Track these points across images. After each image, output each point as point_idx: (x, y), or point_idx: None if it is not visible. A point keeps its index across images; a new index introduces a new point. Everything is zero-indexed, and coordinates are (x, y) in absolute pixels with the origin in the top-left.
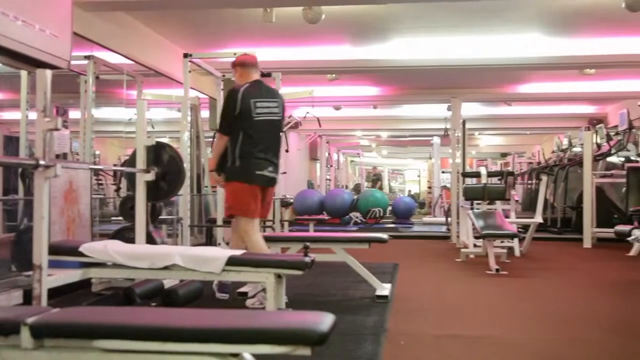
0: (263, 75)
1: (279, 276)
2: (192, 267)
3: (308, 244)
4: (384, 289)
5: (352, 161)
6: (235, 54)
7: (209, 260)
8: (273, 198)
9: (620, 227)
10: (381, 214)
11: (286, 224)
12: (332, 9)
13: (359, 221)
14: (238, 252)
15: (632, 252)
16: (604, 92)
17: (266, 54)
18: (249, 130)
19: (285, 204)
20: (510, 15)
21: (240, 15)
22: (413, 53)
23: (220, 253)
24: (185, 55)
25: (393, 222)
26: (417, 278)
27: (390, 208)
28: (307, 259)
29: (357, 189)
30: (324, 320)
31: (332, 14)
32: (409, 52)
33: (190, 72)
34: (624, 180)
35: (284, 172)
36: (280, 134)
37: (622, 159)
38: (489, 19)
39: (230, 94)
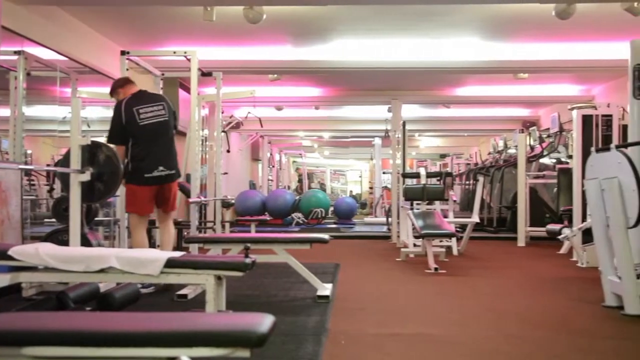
0: (203, 74)
1: (219, 278)
2: (129, 270)
3: (249, 245)
4: (325, 289)
5: (294, 162)
6: (175, 52)
7: (146, 262)
8: (175, 192)
9: (551, 226)
10: (323, 215)
11: (227, 225)
12: (273, 9)
13: (301, 222)
14: (177, 254)
15: (562, 250)
16: (537, 96)
17: (207, 53)
18: (136, 136)
19: (226, 204)
20: (448, 19)
21: (181, 13)
22: (354, 54)
23: (158, 255)
24: (123, 53)
25: (335, 223)
26: (358, 278)
27: (332, 209)
28: (247, 260)
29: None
30: (264, 322)
31: (273, 14)
32: (350, 53)
33: (127, 69)
34: (555, 180)
35: (225, 173)
36: (172, 132)
37: (554, 161)
38: (428, 22)
39: (116, 108)
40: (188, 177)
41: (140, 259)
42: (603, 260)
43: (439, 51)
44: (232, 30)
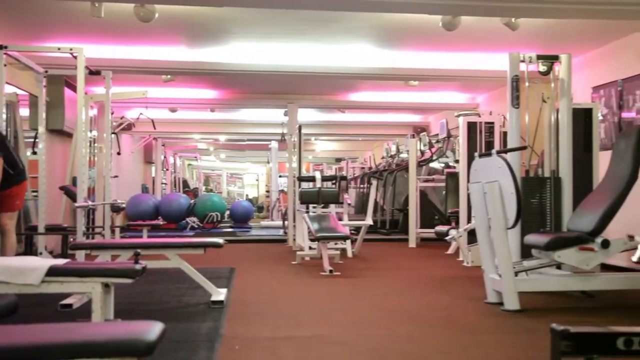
0: (91, 73)
1: (106, 285)
2: (5, 280)
3: (139, 250)
4: (220, 294)
5: (189, 165)
6: (59, 48)
7: (25, 271)
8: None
9: (439, 228)
10: (219, 219)
11: (117, 230)
12: (166, 8)
13: (196, 226)
14: (60, 262)
15: (450, 250)
16: (427, 102)
17: (96, 50)
18: None
19: (116, 209)
20: (343, 26)
21: (67, 7)
22: (250, 57)
23: (39, 263)
24: (0, 47)
25: (231, 227)
26: (254, 282)
27: (228, 212)
28: (137, 267)
29: (195, 193)
30: (152, 329)
31: (166, 14)
32: (246, 56)
33: (5, 65)
34: (444, 184)
35: (116, 176)
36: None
37: (442, 165)
38: (323, 28)
39: None
40: (74, 180)
41: (18, 268)
42: (485, 260)
43: (333, 57)
44: (122, 28)
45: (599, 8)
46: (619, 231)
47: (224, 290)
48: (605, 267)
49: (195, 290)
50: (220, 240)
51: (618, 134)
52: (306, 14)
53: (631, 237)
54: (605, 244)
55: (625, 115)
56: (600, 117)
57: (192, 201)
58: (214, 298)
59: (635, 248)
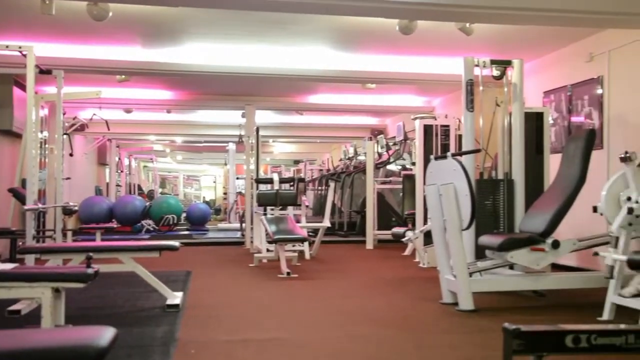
0: (42, 72)
1: (56, 290)
2: None
3: (91, 254)
4: (176, 298)
5: (145, 166)
6: (7, 46)
7: None
8: None
9: (396, 230)
10: (175, 221)
11: (69, 233)
12: (120, 7)
13: (152, 229)
14: (8, 266)
15: (407, 252)
16: (384, 105)
17: (46, 49)
18: None
19: (68, 211)
20: (300, 28)
21: (16, 3)
22: (207, 58)
23: None
24: None
25: (187, 229)
26: (210, 285)
27: (184, 215)
28: (89, 271)
29: (150, 195)
30: (104, 335)
31: (120, 12)
32: (203, 57)
33: None
34: (400, 186)
35: (68, 178)
36: None
37: (399, 167)
38: (280, 30)
39: None
40: (24, 182)
41: None
42: (441, 260)
43: (291, 59)
44: (75, 26)
45: (549, 15)
46: (568, 232)
47: (179, 294)
48: (556, 267)
49: (150, 294)
50: (176, 243)
51: (568, 138)
52: (263, 15)
53: (596, 254)
54: (556, 244)
55: (574, 119)
56: (551, 121)
57: (148, 203)
58: (169, 302)
59: (583, 248)
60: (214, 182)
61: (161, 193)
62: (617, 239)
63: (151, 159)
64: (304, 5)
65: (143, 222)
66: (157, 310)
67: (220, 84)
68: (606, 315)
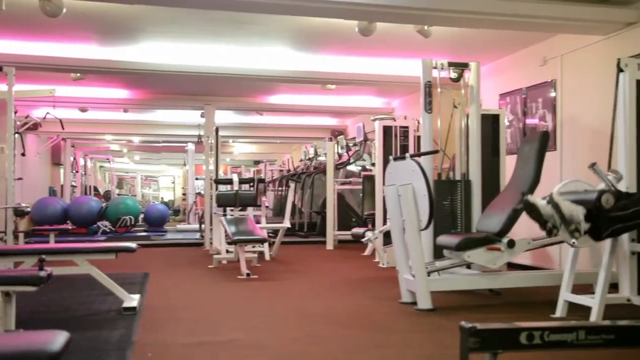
0: None
1: (7, 294)
2: None
3: (44, 256)
4: (132, 300)
5: (101, 167)
6: None
7: None
8: None
9: (356, 230)
10: (132, 222)
11: (21, 235)
12: (75, 4)
13: (108, 230)
14: None
15: (367, 252)
16: (344, 106)
17: None
18: None
19: (20, 213)
20: (260, 28)
21: None
22: (166, 57)
23: None
24: None
25: (145, 231)
26: (169, 287)
27: (142, 216)
28: (42, 273)
29: (107, 196)
30: (56, 339)
31: (75, 9)
32: (161, 56)
33: None
34: (360, 187)
35: (20, 178)
36: None
37: (359, 168)
38: (240, 30)
39: None
40: None
41: None
42: (400, 260)
43: (251, 59)
44: (28, 22)
45: (505, 19)
46: (523, 231)
47: (136, 296)
48: (511, 266)
49: (106, 297)
50: (133, 244)
51: (522, 139)
52: (223, 14)
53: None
54: (511, 243)
55: (529, 121)
56: (507, 123)
57: (104, 204)
58: (126, 304)
59: (537, 247)
60: (173, 182)
61: (118, 194)
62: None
63: (108, 159)
64: (263, 5)
65: (99, 223)
66: (113, 313)
67: (179, 84)
68: (559, 312)
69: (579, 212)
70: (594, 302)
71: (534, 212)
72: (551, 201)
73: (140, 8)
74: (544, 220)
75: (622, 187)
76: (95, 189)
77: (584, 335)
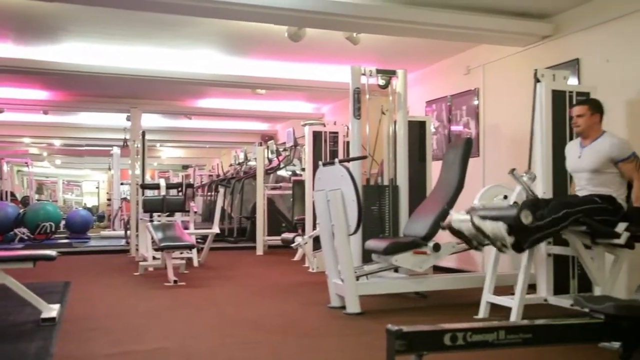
0: None
1: None
2: None
3: None
4: (52, 311)
5: (19, 171)
6: None
7: None
8: None
9: (286, 235)
10: (53, 229)
11: None
12: None
13: (26, 237)
14: None
15: (297, 257)
16: (274, 111)
17: None
18: None
19: None
20: (188, 30)
21: None
22: (89, 58)
23: None
24: None
25: (67, 238)
26: (92, 295)
27: (64, 222)
28: None
29: (25, 201)
30: None
31: None
32: (84, 56)
33: None
34: (291, 192)
35: None
36: None
37: (290, 173)
38: (167, 31)
39: None
40: None
41: None
42: (329, 265)
43: (179, 62)
44: None
45: (430, 29)
46: (449, 235)
47: (56, 306)
48: (437, 269)
49: (23, 307)
50: (52, 252)
51: (448, 146)
52: (150, 16)
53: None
54: (437, 247)
55: (453, 128)
56: (433, 130)
57: (22, 210)
58: (44, 315)
59: (462, 251)
60: (97, 187)
61: (38, 199)
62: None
63: (26, 163)
64: (189, 7)
65: (16, 230)
66: (31, 324)
67: (104, 86)
68: (482, 313)
69: (501, 229)
70: (513, 302)
71: (458, 233)
72: (473, 224)
73: (61, 6)
74: (469, 239)
75: (538, 189)
76: (12, 194)
77: (504, 335)
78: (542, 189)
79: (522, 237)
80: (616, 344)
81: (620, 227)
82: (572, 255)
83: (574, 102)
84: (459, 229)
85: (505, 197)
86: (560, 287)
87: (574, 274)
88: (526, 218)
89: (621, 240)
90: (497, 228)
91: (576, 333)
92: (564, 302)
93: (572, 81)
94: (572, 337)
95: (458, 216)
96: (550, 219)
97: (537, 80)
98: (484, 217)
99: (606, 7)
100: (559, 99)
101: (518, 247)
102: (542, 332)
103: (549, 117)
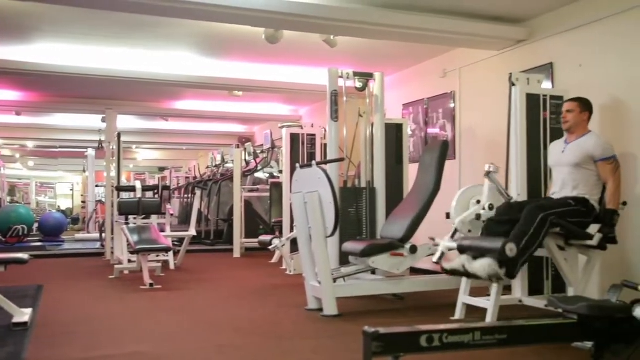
0: None
1: None
2: None
3: None
4: (24, 315)
5: None
6: None
7: None
8: None
9: (263, 237)
10: (25, 232)
11: None
12: None
13: None
14: None
15: (274, 259)
16: (251, 113)
17: None
18: None
19: None
20: (163, 31)
21: None
22: (63, 59)
23: None
24: None
25: (40, 241)
26: (65, 299)
27: (37, 225)
28: None
29: None
30: None
31: None
32: (58, 57)
33: None
34: (268, 194)
35: None
36: None
37: (267, 175)
38: (142, 32)
39: None
40: None
41: None
42: (306, 267)
43: (155, 63)
44: None
45: (407, 32)
46: (425, 237)
47: (28, 311)
48: (414, 271)
49: None
50: (24, 255)
51: (424, 148)
52: (126, 17)
53: (432, 239)
54: (414, 249)
55: (430, 130)
56: (410, 132)
57: None
58: (16, 320)
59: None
60: (72, 189)
61: (10, 202)
62: (456, 230)
63: None
64: (164, 8)
65: None
66: (2, 329)
67: (78, 87)
68: (458, 314)
69: (492, 265)
70: (489, 304)
71: (452, 272)
72: (465, 272)
73: (34, 6)
74: (467, 277)
75: (512, 190)
76: None
77: (480, 335)
78: (517, 190)
79: (512, 266)
80: (589, 344)
81: (593, 228)
82: (546, 257)
83: (548, 105)
84: (452, 269)
85: (478, 201)
86: (534, 288)
87: (548, 275)
88: (511, 251)
89: (594, 242)
90: (488, 266)
91: (550, 333)
92: (539, 302)
93: (546, 85)
94: (546, 337)
95: (445, 244)
96: (532, 233)
97: (512, 84)
98: (474, 257)
99: (579, 12)
100: (533, 102)
101: (511, 276)
102: (517, 332)
103: (523, 120)
